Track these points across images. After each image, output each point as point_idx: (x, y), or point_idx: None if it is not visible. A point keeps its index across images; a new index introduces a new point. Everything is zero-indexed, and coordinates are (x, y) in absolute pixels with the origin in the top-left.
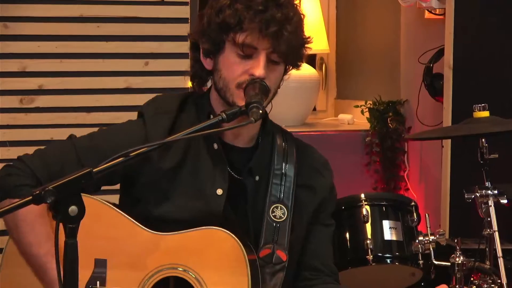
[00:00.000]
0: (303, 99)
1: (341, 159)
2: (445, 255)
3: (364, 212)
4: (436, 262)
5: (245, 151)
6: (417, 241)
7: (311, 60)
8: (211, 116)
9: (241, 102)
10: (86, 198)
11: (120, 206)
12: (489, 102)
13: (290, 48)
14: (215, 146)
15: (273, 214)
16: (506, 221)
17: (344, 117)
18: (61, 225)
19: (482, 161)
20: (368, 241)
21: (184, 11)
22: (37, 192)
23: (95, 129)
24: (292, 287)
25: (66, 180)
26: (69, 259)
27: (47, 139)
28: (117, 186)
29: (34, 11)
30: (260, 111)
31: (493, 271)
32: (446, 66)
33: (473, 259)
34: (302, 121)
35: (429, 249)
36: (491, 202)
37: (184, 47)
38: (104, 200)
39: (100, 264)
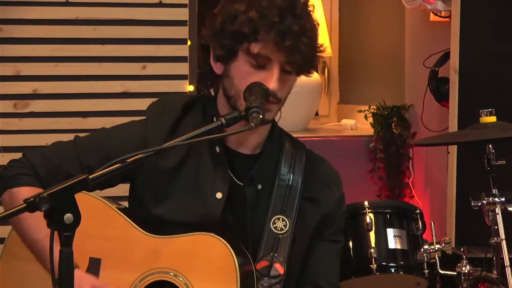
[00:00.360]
0: (305, 104)
1: (344, 165)
2: (451, 264)
3: (368, 220)
4: (441, 272)
5: (249, 158)
6: (422, 249)
7: None
8: (214, 120)
9: None
10: (85, 196)
11: (129, 206)
12: (496, 107)
13: (305, 59)
14: (217, 149)
15: (274, 225)
16: None
17: (347, 122)
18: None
19: (489, 167)
20: (372, 250)
21: (182, 13)
22: (31, 199)
23: (91, 133)
24: None
25: (61, 187)
26: (65, 268)
27: (42, 145)
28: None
29: (28, 14)
30: (261, 116)
31: (501, 281)
32: (452, 70)
33: (480, 269)
34: (304, 127)
35: (434, 258)
36: (498, 210)
37: (183, 50)
38: (108, 200)
39: (94, 263)
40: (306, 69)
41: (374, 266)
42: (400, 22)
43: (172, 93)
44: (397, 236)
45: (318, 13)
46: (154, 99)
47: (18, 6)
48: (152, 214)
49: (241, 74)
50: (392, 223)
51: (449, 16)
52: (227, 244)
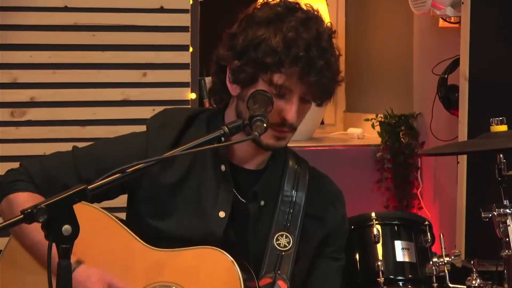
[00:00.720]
0: (310, 112)
1: (351, 175)
2: (461, 278)
3: (375, 232)
4: (451, 285)
5: (253, 173)
6: (431, 262)
7: None
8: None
9: (269, 141)
10: (86, 207)
11: (127, 217)
12: (508, 116)
13: (326, 92)
14: (223, 167)
15: (278, 242)
16: None
17: (353, 131)
18: None
19: (500, 178)
20: (379, 263)
21: (184, 19)
22: (29, 210)
23: (90, 143)
24: None
25: (59, 197)
26: (63, 282)
27: (39, 154)
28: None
29: (25, 19)
30: (265, 125)
31: None
32: (462, 77)
33: (491, 282)
34: (309, 136)
35: (443, 271)
36: (509, 222)
37: (184, 57)
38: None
39: None
40: (325, 100)
41: (381, 280)
42: (408, 28)
43: (173, 101)
44: (405, 248)
45: (324, 18)
46: (155, 107)
47: (15, 12)
48: (152, 228)
49: None
50: (400, 235)
51: (459, 22)
52: (232, 259)
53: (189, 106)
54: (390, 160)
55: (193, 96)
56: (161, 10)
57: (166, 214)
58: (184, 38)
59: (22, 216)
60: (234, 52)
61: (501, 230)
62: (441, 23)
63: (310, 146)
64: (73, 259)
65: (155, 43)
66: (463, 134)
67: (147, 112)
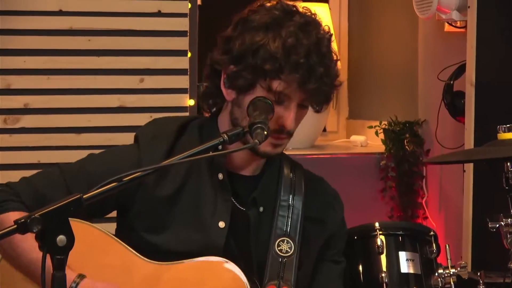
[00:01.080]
0: (312, 119)
1: (354, 184)
2: None
3: (379, 242)
4: None
5: (250, 179)
6: (436, 274)
7: None
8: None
9: (266, 149)
10: (80, 224)
11: (117, 233)
12: None
13: (324, 98)
14: (220, 176)
15: (279, 248)
16: None
17: (356, 138)
18: None
19: (507, 187)
20: (383, 274)
21: (182, 24)
22: (22, 220)
23: (86, 151)
24: None
25: (54, 207)
26: None
27: (33, 162)
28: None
29: (19, 24)
30: (265, 132)
31: None
32: (468, 83)
33: None
34: (311, 143)
35: (449, 283)
36: None
37: (183, 62)
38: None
39: None
40: (323, 106)
41: None
42: (413, 33)
43: (171, 108)
44: (410, 259)
45: (326, 22)
46: (152, 114)
47: (8, 16)
48: (147, 243)
49: None
50: (405, 246)
51: (465, 27)
52: (237, 268)
53: (187, 113)
54: (394, 168)
55: (191, 102)
56: (159, 14)
57: (163, 228)
58: (182, 43)
59: (15, 226)
60: (230, 57)
61: (509, 240)
62: (447, 27)
63: (312, 154)
64: (74, 274)
65: (152, 48)
66: (469, 142)
67: (144, 119)
